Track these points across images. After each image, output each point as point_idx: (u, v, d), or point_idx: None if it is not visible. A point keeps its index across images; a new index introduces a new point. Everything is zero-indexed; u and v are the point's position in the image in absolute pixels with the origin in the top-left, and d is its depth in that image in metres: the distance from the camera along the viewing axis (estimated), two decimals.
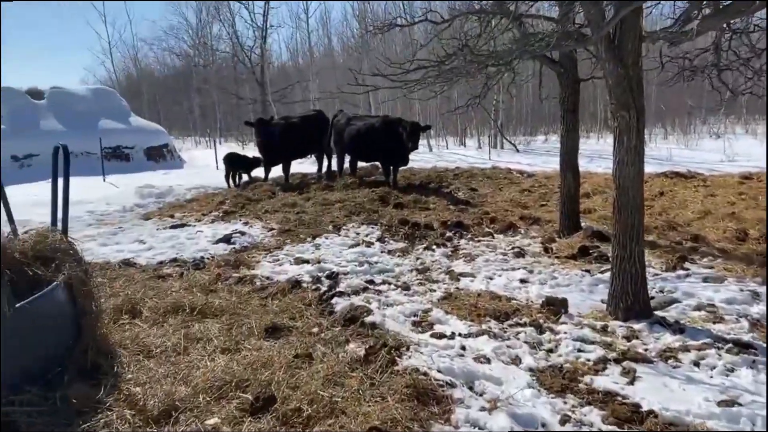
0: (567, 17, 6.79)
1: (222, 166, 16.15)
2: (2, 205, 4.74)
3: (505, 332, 5.04)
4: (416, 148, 12.76)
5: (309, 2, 59.92)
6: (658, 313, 5.51)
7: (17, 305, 3.61)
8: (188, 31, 45.25)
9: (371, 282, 6.60)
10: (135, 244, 9.07)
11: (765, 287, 6.05)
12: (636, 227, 5.41)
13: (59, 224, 4.59)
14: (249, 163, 15.58)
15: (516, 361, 4.49)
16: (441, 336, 4.88)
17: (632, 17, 5.04)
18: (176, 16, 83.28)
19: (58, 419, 3.43)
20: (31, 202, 12.54)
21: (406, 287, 6.43)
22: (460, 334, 4.94)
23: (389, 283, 6.60)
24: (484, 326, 5.14)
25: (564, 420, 3.61)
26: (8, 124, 22.57)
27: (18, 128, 22.39)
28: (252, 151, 19.68)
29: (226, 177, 15.43)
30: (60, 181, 4.62)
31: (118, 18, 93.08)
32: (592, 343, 4.85)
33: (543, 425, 3.54)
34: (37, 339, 3.76)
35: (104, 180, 17.09)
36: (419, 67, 5.94)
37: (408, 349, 4.38)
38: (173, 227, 10.44)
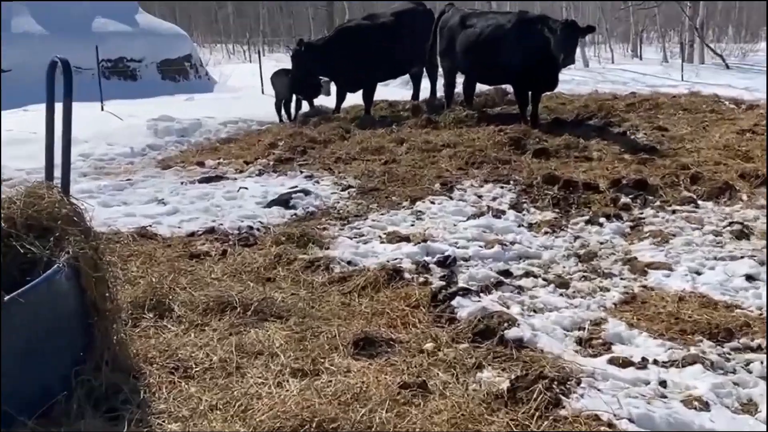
0: None
1: (270, 89, 16.34)
2: None
3: (728, 360, 4.87)
4: (571, 62, 12.43)
5: None
6: None
7: (5, 299, 3.72)
8: None
9: (507, 273, 6.56)
10: (152, 204, 9.34)
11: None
12: None
13: (57, 177, 4.69)
14: (311, 85, 15.64)
15: (750, 408, 4.30)
16: (626, 363, 4.75)
17: None
18: None
19: None
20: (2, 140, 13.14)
21: (562, 283, 6.35)
22: (656, 362, 4.79)
23: (535, 276, 6.53)
24: (693, 349, 4.96)
25: None
26: None
27: None
28: None
29: (278, 106, 15.61)
30: (58, 113, 4.71)
31: None
32: None
33: None
34: (33, 349, 3.88)
35: (102, 108, 17.63)
36: None
37: (578, 383, 4.27)
38: (205, 180, 10.68)
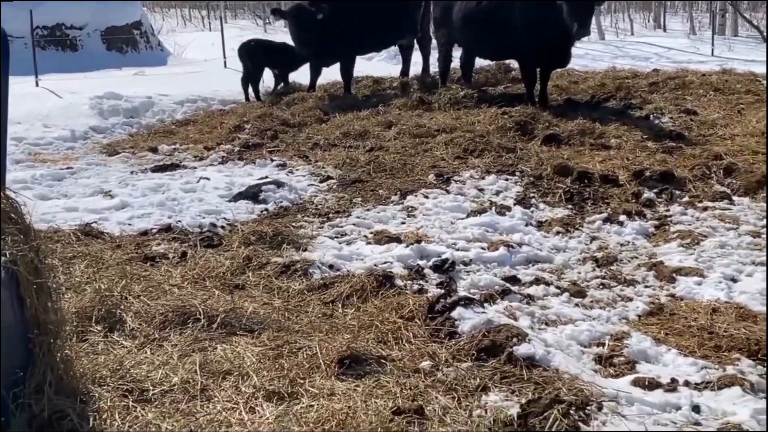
0: None
1: (236, 62, 16.28)
2: None
3: None
4: (587, 33, 12.41)
5: None
6: None
7: None
8: None
9: (514, 280, 6.59)
10: (97, 197, 9.33)
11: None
12: None
13: None
14: (284, 58, 15.60)
15: None
16: (653, 385, 4.76)
17: None
18: None
19: None
20: None
21: (578, 292, 6.38)
22: (687, 383, 4.80)
23: (547, 283, 6.55)
24: (730, 369, 4.97)
25: None
26: None
27: None
28: (284, 35, 19.76)
29: (245, 82, 15.55)
30: None
31: None
32: None
33: None
34: None
35: (37, 84, 17.56)
36: None
37: (599, 408, 4.27)
38: (159, 169, 10.67)
